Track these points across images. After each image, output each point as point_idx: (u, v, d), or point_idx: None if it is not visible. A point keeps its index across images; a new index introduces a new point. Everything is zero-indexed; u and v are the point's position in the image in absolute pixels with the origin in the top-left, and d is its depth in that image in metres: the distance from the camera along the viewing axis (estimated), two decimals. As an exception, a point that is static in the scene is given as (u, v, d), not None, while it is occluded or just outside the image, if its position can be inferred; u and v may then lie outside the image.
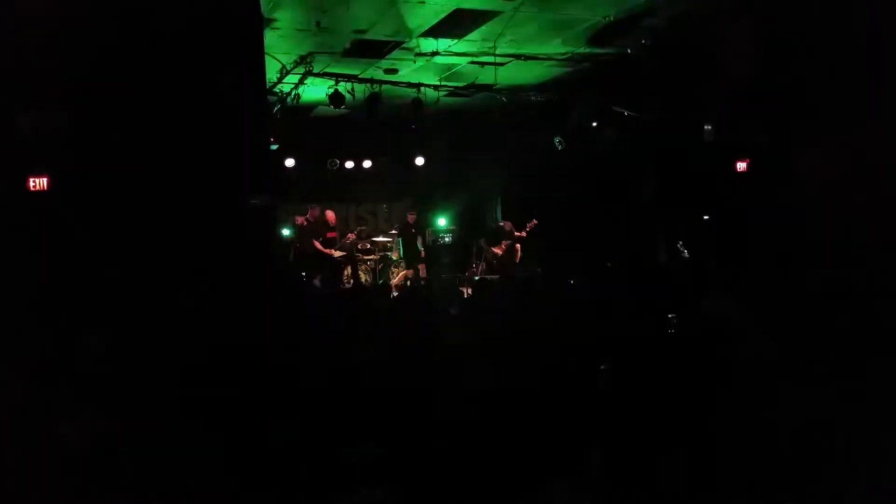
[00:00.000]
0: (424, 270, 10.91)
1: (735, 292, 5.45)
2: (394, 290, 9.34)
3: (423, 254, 11.02)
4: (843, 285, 4.95)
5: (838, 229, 6.52)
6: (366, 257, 10.88)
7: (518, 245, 10.70)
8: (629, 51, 8.47)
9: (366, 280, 10.73)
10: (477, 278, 10.34)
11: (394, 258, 11.05)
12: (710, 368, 3.93)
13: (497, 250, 10.61)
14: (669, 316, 4.88)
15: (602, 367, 3.79)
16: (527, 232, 10.48)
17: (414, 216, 10.99)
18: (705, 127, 8.94)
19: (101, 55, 5.11)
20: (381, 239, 11.25)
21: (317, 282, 9.65)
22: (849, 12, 6.43)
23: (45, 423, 3.33)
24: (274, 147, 9.68)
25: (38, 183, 5.27)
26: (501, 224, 10.85)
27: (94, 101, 5.17)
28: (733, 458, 3.29)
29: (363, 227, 11.15)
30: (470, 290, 9.10)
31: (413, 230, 10.93)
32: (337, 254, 10.54)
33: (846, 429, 3.15)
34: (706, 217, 9.43)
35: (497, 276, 10.14)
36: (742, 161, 8.72)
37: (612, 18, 7.46)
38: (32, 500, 3.01)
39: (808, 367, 3.78)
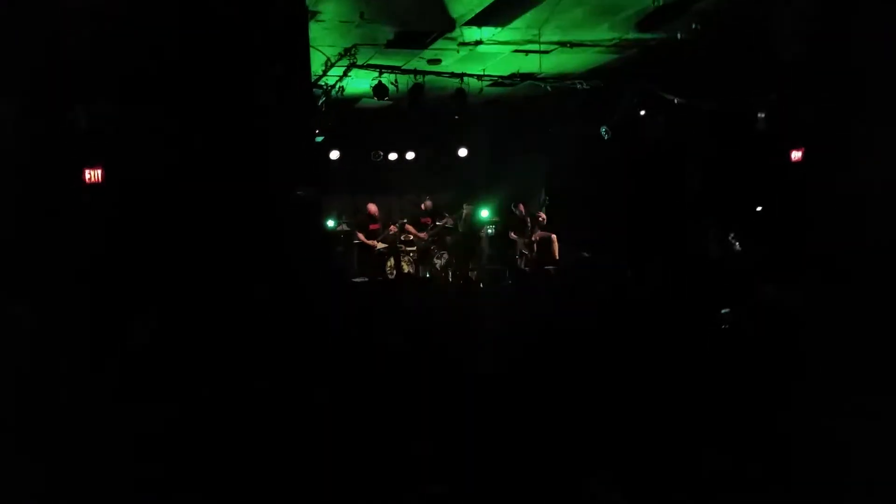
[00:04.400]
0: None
1: (791, 286, 5.26)
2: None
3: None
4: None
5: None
6: (408, 248, 10.90)
7: (554, 236, 10.58)
8: (679, 36, 8.22)
9: (409, 271, 10.76)
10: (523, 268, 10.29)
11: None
12: (764, 363, 3.79)
13: (525, 239, 10.54)
14: (723, 311, 4.74)
15: (655, 359, 3.71)
16: (544, 213, 10.45)
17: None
18: (759, 115, 8.64)
19: (151, 49, 5.22)
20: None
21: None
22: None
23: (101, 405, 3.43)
24: (319, 139, 9.77)
25: (94, 175, 5.42)
26: (515, 210, 10.77)
27: (145, 94, 5.28)
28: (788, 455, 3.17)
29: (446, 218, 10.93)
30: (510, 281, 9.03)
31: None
32: (380, 245, 10.60)
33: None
34: (759, 208, 9.13)
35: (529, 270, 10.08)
36: (797, 150, 8.40)
37: (661, 2, 7.24)
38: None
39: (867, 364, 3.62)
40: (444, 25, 7.66)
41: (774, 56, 7.83)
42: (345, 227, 10.90)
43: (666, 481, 3.17)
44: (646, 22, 7.80)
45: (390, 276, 10.42)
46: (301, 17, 6.29)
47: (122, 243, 5.10)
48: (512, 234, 10.83)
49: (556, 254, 10.61)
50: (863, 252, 5.99)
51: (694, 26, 7.94)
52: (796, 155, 8.43)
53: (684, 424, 3.51)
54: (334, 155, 11.12)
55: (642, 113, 9.66)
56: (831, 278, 5.31)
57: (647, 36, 8.30)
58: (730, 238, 8.99)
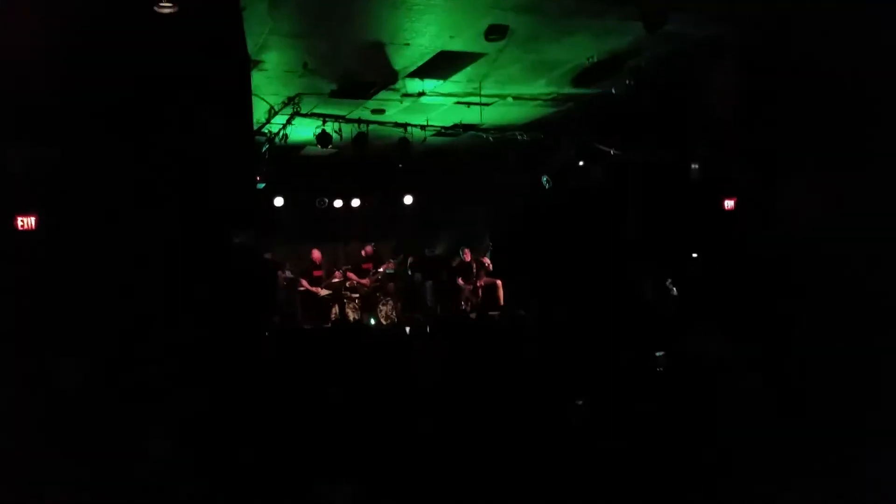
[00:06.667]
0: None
1: (724, 330, 5.43)
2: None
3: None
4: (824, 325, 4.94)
5: (823, 268, 6.53)
6: (353, 295, 10.82)
7: (499, 282, 10.70)
8: (613, 90, 8.60)
9: (353, 318, 10.65)
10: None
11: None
12: (696, 404, 3.88)
13: (470, 286, 10.62)
14: (657, 354, 4.86)
15: (581, 402, 3.77)
16: (489, 259, 10.62)
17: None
18: (692, 166, 9.03)
19: (91, 93, 5.14)
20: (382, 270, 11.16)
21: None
22: (837, 52, 6.51)
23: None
24: (261, 186, 9.70)
25: (27, 222, 5.23)
26: (462, 255, 10.92)
27: (84, 140, 5.17)
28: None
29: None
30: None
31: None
32: (323, 292, 10.50)
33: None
34: (695, 255, 9.44)
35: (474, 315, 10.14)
36: (730, 199, 8.78)
37: (595, 59, 7.59)
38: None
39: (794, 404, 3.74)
40: (387, 77, 7.81)
41: (705, 110, 8.24)
42: (288, 273, 10.76)
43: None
44: (581, 78, 8.16)
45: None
46: (243, 66, 6.33)
47: (56, 290, 4.91)
48: (459, 280, 10.88)
49: (502, 299, 10.71)
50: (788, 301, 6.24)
51: (627, 82, 8.32)
52: (729, 204, 8.80)
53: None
54: (278, 202, 11.04)
55: (580, 163, 9.99)
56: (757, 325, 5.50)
57: (583, 91, 8.66)
58: (667, 284, 9.24)
